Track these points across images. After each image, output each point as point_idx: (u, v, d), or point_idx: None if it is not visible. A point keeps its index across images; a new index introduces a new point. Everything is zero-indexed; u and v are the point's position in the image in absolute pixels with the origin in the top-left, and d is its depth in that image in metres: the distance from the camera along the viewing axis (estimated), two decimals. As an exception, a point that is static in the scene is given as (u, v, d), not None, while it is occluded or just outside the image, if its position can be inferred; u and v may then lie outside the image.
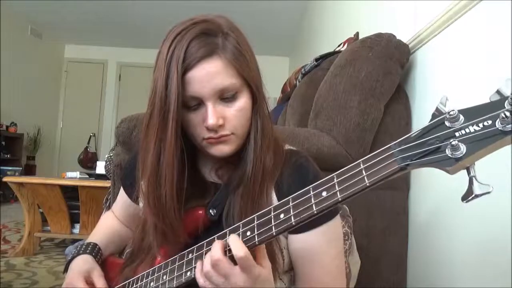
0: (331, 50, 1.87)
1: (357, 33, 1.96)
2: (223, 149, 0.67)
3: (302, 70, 1.91)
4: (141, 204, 0.76)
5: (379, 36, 1.32)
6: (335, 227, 0.71)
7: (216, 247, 0.56)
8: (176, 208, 0.65)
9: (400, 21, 1.60)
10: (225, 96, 0.65)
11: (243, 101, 0.66)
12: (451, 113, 0.41)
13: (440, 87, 1.21)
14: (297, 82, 1.98)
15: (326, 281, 0.69)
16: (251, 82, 0.67)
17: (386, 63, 1.26)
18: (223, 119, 0.65)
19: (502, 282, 0.84)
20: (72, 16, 5.52)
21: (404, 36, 1.37)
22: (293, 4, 4.62)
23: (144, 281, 0.70)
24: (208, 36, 0.63)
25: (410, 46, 1.35)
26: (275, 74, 5.31)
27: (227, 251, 0.56)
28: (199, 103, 0.64)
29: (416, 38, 1.34)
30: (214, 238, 0.60)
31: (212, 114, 0.63)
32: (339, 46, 1.92)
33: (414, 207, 1.30)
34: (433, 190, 1.19)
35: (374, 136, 1.25)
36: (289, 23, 5.19)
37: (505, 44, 0.89)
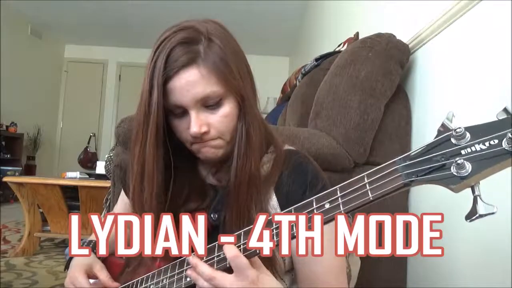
0: (331, 50, 1.87)
1: (357, 33, 1.96)
2: (211, 154, 0.68)
3: (302, 70, 1.91)
4: None
5: (379, 36, 1.32)
6: (334, 226, 0.70)
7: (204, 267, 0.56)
8: (156, 217, 0.65)
9: (400, 21, 1.60)
10: (209, 104, 0.64)
11: (228, 108, 0.66)
12: (458, 130, 0.40)
13: (440, 87, 1.21)
14: (297, 82, 1.98)
15: (328, 280, 0.68)
16: (235, 90, 0.66)
17: (386, 63, 1.26)
18: (208, 126, 0.65)
19: (502, 283, 0.84)
20: (72, 16, 5.52)
21: (404, 36, 1.37)
22: (293, 4, 4.62)
23: (144, 285, 0.70)
24: (188, 45, 0.63)
25: (410, 46, 1.35)
26: (275, 74, 5.34)
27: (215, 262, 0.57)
28: (184, 110, 0.65)
29: (416, 38, 1.34)
30: (215, 244, 0.60)
31: (195, 122, 0.63)
32: (339, 46, 1.92)
33: (414, 207, 1.30)
34: (433, 190, 1.19)
35: (374, 136, 1.25)
36: (289, 23, 5.19)
37: (505, 44, 0.89)
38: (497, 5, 0.94)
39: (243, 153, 0.67)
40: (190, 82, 0.62)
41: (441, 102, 1.20)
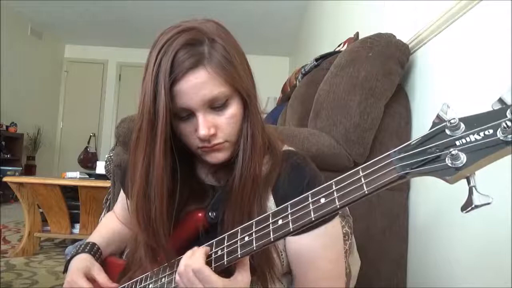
0: (331, 50, 1.87)
1: (357, 33, 1.96)
2: (218, 157, 0.67)
3: (302, 70, 1.91)
4: None
5: (379, 36, 1.32)
6: (332, 229, 0.70)
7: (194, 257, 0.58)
8: (166, 226, 0.64)
9: (400, 21, 1.60)
10: (216, 105, 0.64)
11: (234, 108, 0.65)
12: (452, 121, 0.40)
13: (440, 87, 1.21)
14: (297, 82, 1.98)
15: (322, 284, 0.68)
16: (240, 89, 0.65)
17: (386, 63, 1.26)
18: (215, 128, 0.64)
19: (502, 283, 0.84)
20: (72, 16, 5.52)
21: (404, 36, 1.37)
22: (293, 4, 4.62)
23: (143, 284, 0.70)
24: (193, 46, 0.62)
25: (410, 46, 1.35)
26: (275, 74, 5.34)
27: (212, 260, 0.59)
28: (190, 113, 0.64)
29: (416, 38, 1.34)
30: (213, 242, 0.60)
31: (203, 125, 0.63)
32: (339, 46, 1.92)
33: (414, 207, 1.30)
34: (433, 190, 1.19)
35: (374, 136, 1.25)
36: (289, 23, 5.19)
37: (505, 44, 0.89)
38: (497, 5, 0.94)
39: (249, 154, 0.66)
40: (198, 84, 0.61)
41: (441, 102, 1.19)
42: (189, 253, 0.60)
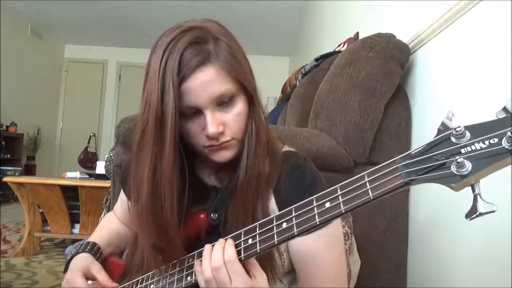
0: (331, 50, 1.87)
1: (357, 33, 1.96)
2: (225, 155, 0.67)
3: (302, 70, 1.91)
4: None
5: (379, 36, 1.32)
6: (334, 230, 0.70)
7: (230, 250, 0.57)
8: (177, 225, 0.64)
9: (400, 21, 1.60)
10: (222, 102, 0.64)
11: (240, 105, 0.65)
12: (458, 129, 0.40)
13: (440, 87, 1.21)
14: (297, 82, 1.98)
15: (325, 284, 0.68)
16: (246, 85, 0.66)
17: (386, 63, 1.26)
18: (223, 126, 0.64)
19: (502, 283, 0.84)
20: (72, 16, 5.52)
21: (404, 36, 1.37)
22: (293, 4, 4.62)
23: (144, 283, 0.70)
24: (199, 44, 0.62)
25: (410, 46, 1.35)
26: (275, 74, 5.34)
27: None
28: (197, 111, 0.64)
29: (416, 38, 1.34)
30: (214, 244, 0.60)
31: (212, 122, 0.63)
32: (339, 46, 1.92)
33: (414, 207, 1.30)
34: (433, 190, 1.19)
35: (374, 136, 1.25)
36: (289, 23, 5.19)
37: (505, 44, 0.89)
38: (497, 5, 0.94)
39: (253, 151, 0.66)
40: (205, 82, 0.61)
41: (441, 102, 1.20)
42: (210, 248, 0.59)
